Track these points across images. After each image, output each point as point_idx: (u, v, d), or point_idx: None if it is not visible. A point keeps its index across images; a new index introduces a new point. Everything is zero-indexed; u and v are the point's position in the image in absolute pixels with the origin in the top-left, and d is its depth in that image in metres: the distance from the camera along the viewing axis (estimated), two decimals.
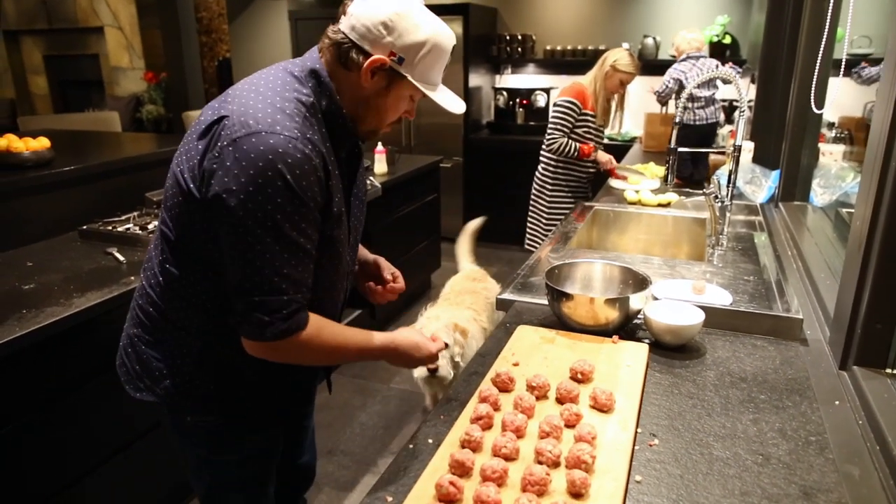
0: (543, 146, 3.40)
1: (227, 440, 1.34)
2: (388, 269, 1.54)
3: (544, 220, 3.47)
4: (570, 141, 3.30)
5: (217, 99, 1.17)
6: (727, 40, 4.92)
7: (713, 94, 3.79)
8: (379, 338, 1.29)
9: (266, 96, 1.11)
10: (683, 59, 3.87)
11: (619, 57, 3.25)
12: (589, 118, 3.32)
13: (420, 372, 2.41)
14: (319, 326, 1.18)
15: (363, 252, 1.53)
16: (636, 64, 3.29)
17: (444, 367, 2.28)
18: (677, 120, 2.36)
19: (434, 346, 1.37)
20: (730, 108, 4.74)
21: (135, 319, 1.30)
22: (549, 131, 3.33)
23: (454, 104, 1.26)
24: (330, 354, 1.24)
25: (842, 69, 2.03)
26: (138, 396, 1.31)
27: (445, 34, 1.19)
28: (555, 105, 3.33)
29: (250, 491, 1.43)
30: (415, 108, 1.29)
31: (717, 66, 3.79)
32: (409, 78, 1.16)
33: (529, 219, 3.59)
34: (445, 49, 1.19)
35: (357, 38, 1.13)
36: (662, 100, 4.08)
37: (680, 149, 2.42)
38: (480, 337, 2.58)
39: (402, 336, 1.33)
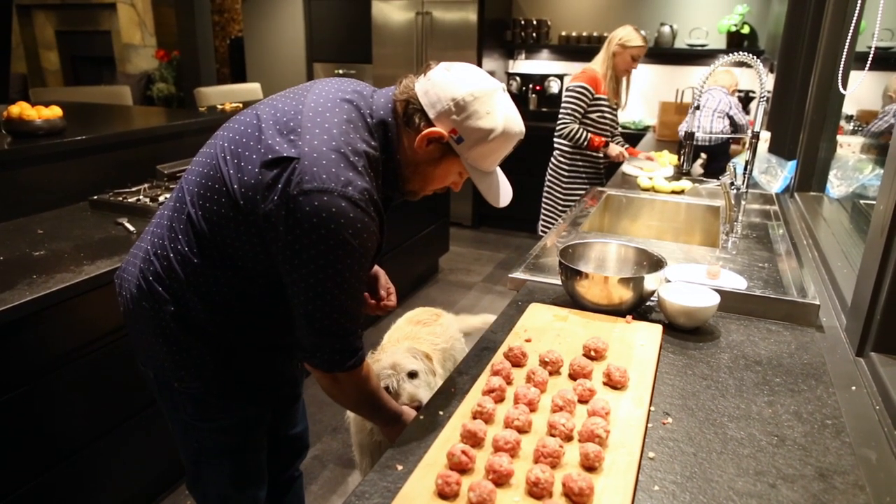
0: (555, 132, 3.38)
1: (213, 408, 1.33)
2: (385, 286, 1.55)
3: (560, 206, 3.45)
4: (581, 129, 3.27)
5: (282, 117, 1.12)
6: (745, 30, 4.86)
7: (724, 125, 3.76)
8: (393, 412, 1.39)
9: (339, 144, 1.08)
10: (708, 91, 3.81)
11: (625, 34, 3.23)
12: (602, 103, 3.30)
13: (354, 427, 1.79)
14: (369, 368, 1.28)
15: None
16: (642, 37, 3.26)
17: (424, 395, 1.64)
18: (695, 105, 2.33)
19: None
20: (746, 99, 4.68)
21: (136, 281, 1.26)
22: (560, 116, 3.31)
23: (501, 196, 1.23)
24: (369, 396, 1.31)
25: (868, 62, 1.99)
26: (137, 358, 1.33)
27: (514, 128, 1.15)
28: (567, 90, 3.31)
29: (237, 457, 1.41)
30: (461, 182, 1.27)
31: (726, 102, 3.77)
32: (462, 160, 1.16)
33: (544, 204, 3.57)
34: (509, 142, 1.16)
35: (426, 103, 1.12)
36: None
37: (698, 134, 2.39)
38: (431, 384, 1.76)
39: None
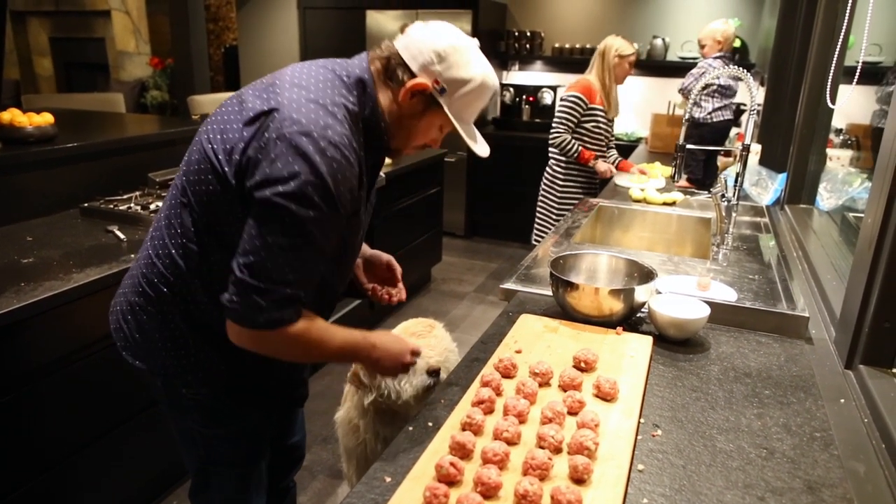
0: (549, 141, 3.39)
1: (220, 414, 1.33)
2: (399, 278, 1.55)
3: (554, 216, 3.45)
4: (574, 141, 3.29)
5: (261, 85, 1.16)
6: (737, 44, 4.90)
7: (734, 96, 3.82)
8: (360, 335, 1.28)
9: (317, 96, 1.10)
10: (718, 56, 3.84)
11: (619, 44, 3.29)
12: (597, 113, 3.32)
13: (419, 382, 1.64)
14: (309, 323, 1.16)
15: (375, 252, 1.55)
16: (631, 42, 3.34)
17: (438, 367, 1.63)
18: (687, 117, 2.35)
19: (412, 344, 1.36)
20: (737, 111, 4.72)
21: (138, 288, 1.28)
22: (553, 125, 3.33)
23: (481, 147, 1.28)
24: (309, 352, 1.21)
25: (856, 77, 2.01)
26: (137, 364, 1.30)
27: (492, 78, 1.21)
28: (561, 100, 3.33)
29: (242, 466, 1.42)
30: (441, 139, 1.29)
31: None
32: (445, 109, 1.18)
33: (538, 215, 3.58)
34: (487, 92, 1.21)
35: (408, 57, 1.15)
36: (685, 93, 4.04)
37: (688, 146, 2.41)
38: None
39: (378, 334, 1.32)
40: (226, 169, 1.11)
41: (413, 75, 1.15)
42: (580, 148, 3.29)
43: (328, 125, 1.07)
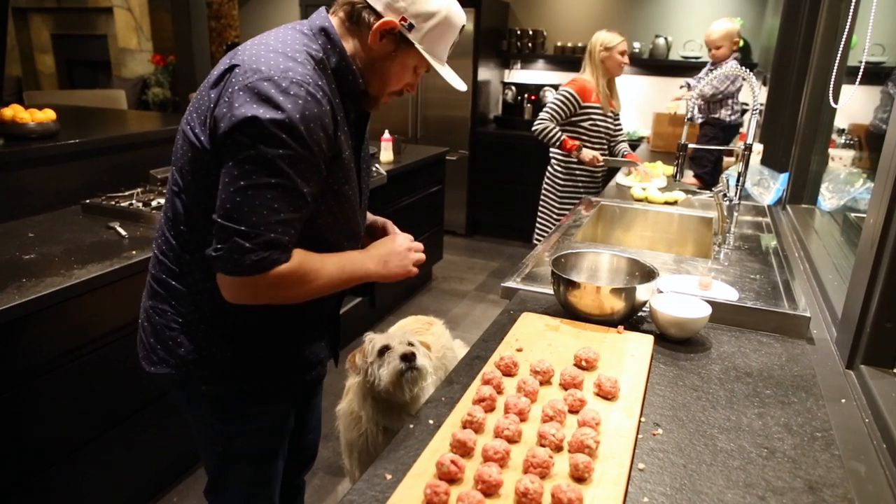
0: (532, 129, 3.34)
1: (239, 410, 1.33)
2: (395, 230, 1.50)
3: (555, 215, 3.44)
4: (557, 129, 3.25)
5: (226, 55, 1.17)
6: (739, 43, 4.89)
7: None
8: (353, 251, 1.28)
9: (276, 48, 1.11)
10: (736, 57, 3.78)
11: (604, 37, 3.24)
12: (593, 111, 3.29)
13: (392, 367, 1.63)
14: (301, 257, 1.14)
15: (371, 217, 1.51)
16: (618, 33, 3.28)
17: (423, 361, 1.65)
18: (701, 119, 2.34)
19: (406, 235, 1.36)
20: (740, 112, 4.71)
21: (149, 291, 1.29)
22: (540, 114, 3.30)
23: (457, 81, 1.28)
24: (307, 284, 1.17)
25: (859, 77, 2.00)
26: (153, 370, 1.29)
27: (457, 10, 1.21)
28: (555, 92, 3.31)
29: (260, 463, 1.42)
30: (417, 82, 1.29)
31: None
32: (417, 46, 1.17)
33: (540, 214, 3.56)
34: (455, 24, 1.21)
35: None
36: (713, 98, 3.82)
37: (690, 145, 2.41)
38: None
39: (375, 244, 1.32)
40: (201, 137, 1.12)
41: (379, 16, 1.15)
42: (563, 137, 3.25)
43: (288, 68, 1.07)
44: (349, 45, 1.19)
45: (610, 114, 3.39)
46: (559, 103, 3.26)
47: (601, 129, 3.36)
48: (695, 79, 4.08)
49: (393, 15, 1.15)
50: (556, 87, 5.36)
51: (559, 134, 3.25)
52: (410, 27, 1.16)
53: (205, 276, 1.21)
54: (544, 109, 3.29)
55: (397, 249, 1.32)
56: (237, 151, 1.06)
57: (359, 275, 1.26)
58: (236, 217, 1.06)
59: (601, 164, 3.32)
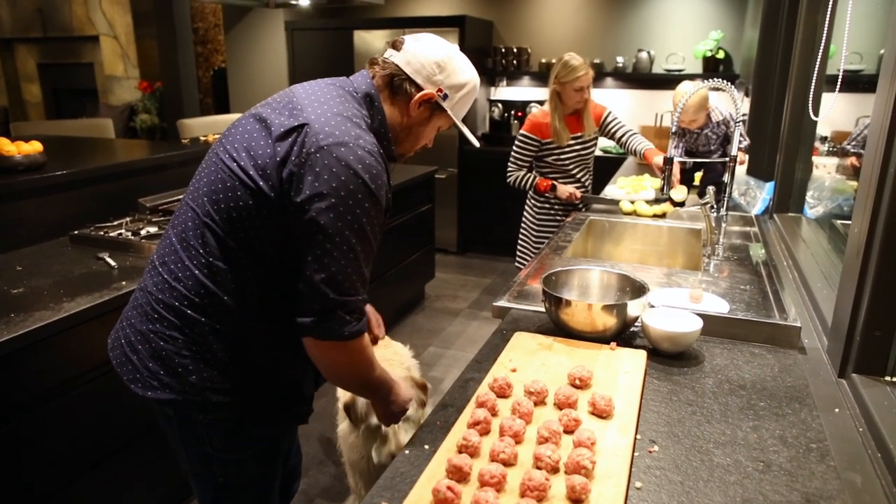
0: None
1: (239, 437, 1.34)
2: (374, 316, 1.64)
3: (533, 240, 3.33)
4: (526, 175, 3.17)
5: (276, 105, 1.24)
6: (721, 55, 4.97)
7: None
8: (387, 373, 1.40)
9: (339, 110, 1.21)
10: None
11: (559, 70, 3.01)
12: (553, 146, 3.13)
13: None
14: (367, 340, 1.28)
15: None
16: (581, 63, 2.97)
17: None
18: (715, 147, 2.37)
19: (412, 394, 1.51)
20: (724, 123, 4.76)
21: (150, 315, 1.27)
22: (508, 164, 3.22)
23: (473, 138, 1.49)
24: (360, 368, 1.30)
25: (838, 85, 2.04)
26: (149, 395, 1.27)
27: (477, 78, 1.37)
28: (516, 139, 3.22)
29: (259, 489, 1.42)
30: (433, 138, 1.44)
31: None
32: (449, 112, 1.33)
33: (520, 237, 3.43)
34: (477, 90, 1.38)
35: (412, 72, 1.27)
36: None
37: (676, 158, 2.43)
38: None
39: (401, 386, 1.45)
40: (260, 184, 1.16)
41: (419, 87, 1.28)
42: (535, 181, 3.14)
43: (358, 135, 1.18)
44: (388, 111, 1.30)
45: (571, 141, 3.15)
46: (518, 149, 3.18)
47: (568, 160, 3.18)
48: (678, 149, 3.43)
49: (431, 87, 1.29)
50: (541, 103, 5.40)
51: (530, 178, 3.17)
52: (445, 97, 1.30)
53: (228, 307, 1.23)
54: (509, 160, 3.21)
55: (404, 402, 1.45)
56: (329, 220, 1.12)
57: (378, 393, 1.39)
58: (338, 287, 1.16)
59: (578, 199, 3.14)
